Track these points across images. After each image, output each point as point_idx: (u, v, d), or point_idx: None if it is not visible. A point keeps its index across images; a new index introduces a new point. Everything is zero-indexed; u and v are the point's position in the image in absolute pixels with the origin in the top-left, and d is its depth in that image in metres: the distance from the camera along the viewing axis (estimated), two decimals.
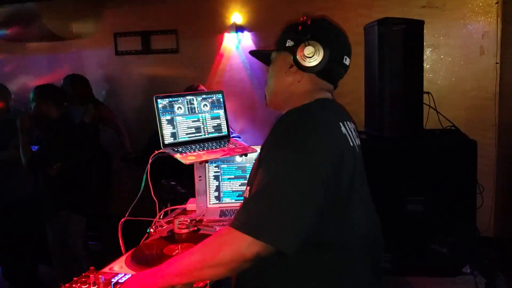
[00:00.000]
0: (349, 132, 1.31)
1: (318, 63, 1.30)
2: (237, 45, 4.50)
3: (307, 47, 1.29)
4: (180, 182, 2.75)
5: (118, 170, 4.66)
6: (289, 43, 1.34)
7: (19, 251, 3.80)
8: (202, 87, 3.89)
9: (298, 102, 1.31)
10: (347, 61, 1.36)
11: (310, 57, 1.29)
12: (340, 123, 1.27)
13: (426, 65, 3.82)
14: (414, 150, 3.18)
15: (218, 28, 4.47)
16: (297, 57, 1.31)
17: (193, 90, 3.78)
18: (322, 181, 1.12)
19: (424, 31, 3.27)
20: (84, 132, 3.60)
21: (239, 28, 4.39)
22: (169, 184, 2.59)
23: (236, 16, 4.40)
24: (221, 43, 4.52)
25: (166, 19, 4.67)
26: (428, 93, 3.52)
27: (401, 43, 3.09)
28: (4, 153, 3.61)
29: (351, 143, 1.28)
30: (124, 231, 1.80)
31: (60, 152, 3.19)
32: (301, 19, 1.36)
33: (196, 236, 1.79)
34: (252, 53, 1.57)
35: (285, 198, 1.10)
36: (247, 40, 4.45)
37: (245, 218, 1.11)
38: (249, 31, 4.42)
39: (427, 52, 3.87)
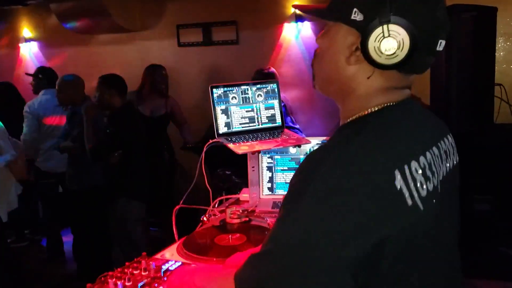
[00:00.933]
0: (426, 166, 0.88)
1: (400, 60, 0.87)
2: (296, 35, 4.44)
3: (384, 41, 0.86)
4: (236, 171, 2.75)
5: (180, 159, 4.76)
6: (357, 15, 0.88)
7: (90, 237, 3.99)
8: (272, 69, 3.92)
9: (357, 107, 0.94)
10: (441, 46, 0.90)
11: (390, 54, 0.87)
12: (404, 167, 0.83)
13: (498, 55, 3.58)
14: (483, 146, 2.99)
15: (277, 18, 4.43)
16: (368, 46, 0.87)
17: (263, 73, 3.80)
18: (339, 272, 0.77)
19: (497, 18, 3.06)
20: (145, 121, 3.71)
21: (298, 18, 4.33)
22: (224, 174, 2.60)
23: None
24: (280, 34, 4.48)
25: (227, 10, 4.70)
26: (500, 85, 3.29)
27: (471, 31, 2.90)
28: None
29: (414, 197, 0.83)
30: (181, 219, 1.82)
31: (122, 140, 3.30)
32: None
33: (247, 227, 1.78)
34: (297, 7, 1.21)
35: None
36: (306, 30, 4.38)
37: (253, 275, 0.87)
38: (309, 20, 4.34)
39: (499, 41, 3.62)
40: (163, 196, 4.20)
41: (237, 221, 1.82)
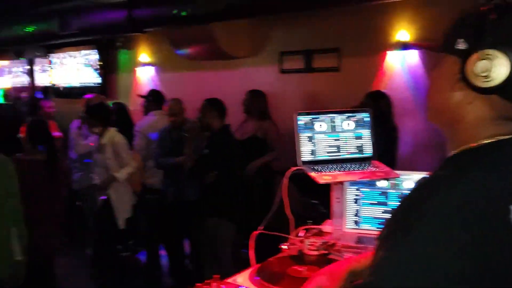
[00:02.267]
0: None
1: (498, 84, 0.86)
2: (401, 63, 4.27)
3: (479, 63, 0.86)
4: (324, 201, 2.68)
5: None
6: (460, 44, 0.92)
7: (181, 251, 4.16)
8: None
9: (467, 137, 0.92)
10: None
11: (484, 76, 0.87)
12: None
13: None
14: None
15: (381, 45, 4.31)
16: (465, 70, 0.90)
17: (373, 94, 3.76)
18: None
19: None
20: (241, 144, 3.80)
21: (404, 46, 4.17)
22: (310, 202, 2.54)
23: (402, 33, 4.18)
24: (383, 61, 4.35)
25: (329, 37, 4.69)
26: None
27: None
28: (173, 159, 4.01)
29: None
30: (265, 243, 1.81)
31: (218, 161, 3.41)
32: (481, 8, 0.91)
33: (324, 260, 1.70)
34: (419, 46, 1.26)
35: None
36: (413, 58, 4.19)
37: None
38: (416, 48, 4.16)
39: None
40: (257, 218, 4.22)
41: (315, 253, 1.75)
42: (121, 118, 4.95)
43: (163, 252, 4.60)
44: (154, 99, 4.70)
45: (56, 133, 5.10)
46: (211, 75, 5.72)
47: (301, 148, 1.92)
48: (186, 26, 5.04)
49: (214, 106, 3.58)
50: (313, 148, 1.92)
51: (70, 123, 5.22)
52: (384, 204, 2.04)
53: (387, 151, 3.21)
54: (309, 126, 1.94)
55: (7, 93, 11.31)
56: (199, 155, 3.50)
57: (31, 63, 9.87)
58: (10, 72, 13.82)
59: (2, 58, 9.57)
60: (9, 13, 6.68)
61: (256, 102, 4.55)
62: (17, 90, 11.50)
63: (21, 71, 13.48)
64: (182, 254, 4.25)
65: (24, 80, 13.85)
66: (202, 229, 3.50)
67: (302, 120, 1.94)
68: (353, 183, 2.05)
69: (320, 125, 1.94)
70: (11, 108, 7.07)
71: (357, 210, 2.09)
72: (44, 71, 12.11)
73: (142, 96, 4.93)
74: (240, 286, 1.48)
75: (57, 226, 3.48)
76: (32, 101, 6.01)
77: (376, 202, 2.07)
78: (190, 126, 3.68)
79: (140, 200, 4.42)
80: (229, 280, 1.55)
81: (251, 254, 1.77)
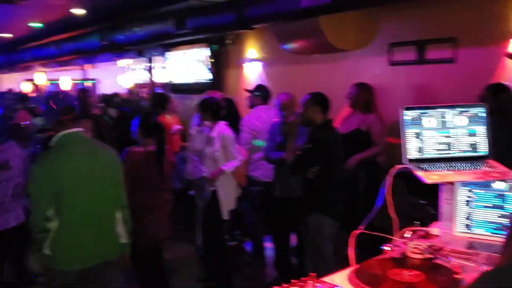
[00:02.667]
0: None
1: None
2: None
3: None
4: (432, 201, 2.52)
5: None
6: None
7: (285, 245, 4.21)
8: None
9: None
10: None
11: None
12: None
13: None
14: None
15: (502, 34, 3.91)
16: None
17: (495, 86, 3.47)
18: None
19: None
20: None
21: None
22: (418, 203, 2.40)
23: None
24: (504, 51, 3.95)
25: (444, 26, 4.37)
26: None
27: None
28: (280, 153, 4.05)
29: None
30: (370, 243, 1.76)
31: (320, 156, 3.37)
32: None
33: (429, 265, 1.60)
34: None
35: None
36: None
37: None
38: None
39: None
40: (360, 216, 4.12)
41: (419, 256, 1.65)
42: (229, 113, 5.12)
43: (269, 244, 4.69)
44: (260, 93, 4.79)
45: (177, 127, 5.45)
46: (318, 69, 5.67)
47: (407, 145, 1.82)
48: (293, 21, 5.05)
49: (317, 100, 3.54)
50: (421, 145, 1.81)
51: (186, 117, 5.54)
52: (501, 207, 1.86)
53: (507, 150, 2.91)
54: (417, 122, 1.83)
55: (131, 90, 12.33)
56: (301, 150, 3.49)
57: (150, 61, 10.65)
58: (133, 70, 15.05)
59: (127, 57, 10.42)
60: (131, 15, 7.26)
61: (361, 95, 4.42)
62: (139, 86, 12.49)
63: (142, 69, 14.62)
64: (287, 248, 4.29)
65: (145, 77, 15.01)
66: (305, 224, 3.50)
67: (409, 115, 1.83)
68: (465, 183, 1.90)
69: (429, 121, 1.82)
70: (135, 104, 7.67)
71: (468, 213, 1.93)
72: (161, 68, 13.02)
73: (248, 91, 5.05)
74: (337, 286, 1.45)
75: (166, 214, 3.71)
76: (153, 96, 6.45)
77: (491, 205, 1.89)
78: (292, 121, 3.69)
79: (244, 192, 4.54)
80: (326, 278, 1.53)
81: (351, 253, 1.72)
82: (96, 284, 2.68)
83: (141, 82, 14.42)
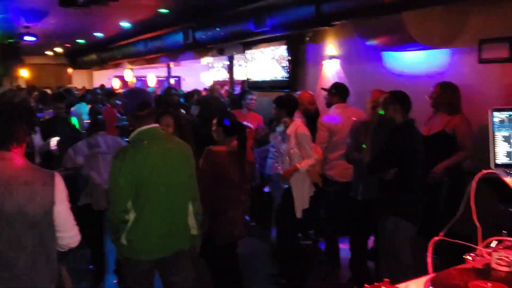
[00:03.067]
0: None
1: None
2: None
3: None
4: None
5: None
6: None
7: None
8: None
9: None
10: None
11: None
12: None
13: None
14: None
15: None
16: None
17: None
18: None
19: None
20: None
21: None
22: (507, 211, 2.23)
23: None
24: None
25: None
26: None
27: None
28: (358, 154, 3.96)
29: None
30: (450, 251, 1.67)
31: (398, 157, 3.25)
32: None
33: None
34: None
35: None
36: None
37: None
38: None
39: None
40: (441, 222, 3.92)
41: (505, 269, 1.53)
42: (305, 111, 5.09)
43: (344, 245, 4.61)
44: (337, 92, 4.71)
45: (258, 124, 5.52)
46: (400, 67, 5.46)
47: (496, 149, 1.69)
48: (376, 17, 4.90)
49: (398, 99, 3.40)
50: (510, 150, 1.68)
51: (264, 115, 5.59)
52: None
53: None
54: (507, 124, 1.70)
55: (211, 87, 12.69)
56: (379, 151, 3.38)
57: (231, 59, 10.88)
58: (213, 68, 15.51)
59: (209, 56, 10.73)
60: (213, 14, 7.46)
61: (445, 95, 4.17)
62: (219, 84, 12.84)
63: (222, 67, 15.01)
64: (364, 250, 4.20)
65: (224, 75, 15.40)
66: (382, 226, 3.39)
67: (499, 117, 1.71)
68: None
69: None
70: (214, 101, 7.85)
71: None
72: (241, 66, 13.27)
73: (325, 90, 4.98)
74: None
75: (243, 213, 3.76)
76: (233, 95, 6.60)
77: None
78: (367, 121, 3.58)
79: (319, 192, 4.49)
80: (401, 285, 1.47)
81: (429, 261, 1.64)
82: (169, 273, 2.79)
83: (221, 79, 14.82)
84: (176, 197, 2.76)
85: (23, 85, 14.12)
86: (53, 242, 2.22)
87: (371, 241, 4.25)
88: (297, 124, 4.25)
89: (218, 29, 7.54)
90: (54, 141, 4.93)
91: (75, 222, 2.31)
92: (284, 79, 7.21)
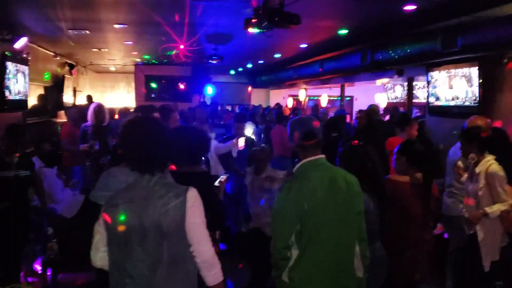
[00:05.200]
0: None
1: None
2: None
3: None
4: None
5: None
6: None
7: None
8: None
9: None
10: None
11: None
12: None
13: None
14: None
15: None
16: None
17: None
18: None
19: None
20: None
21: None
22: None
23: None
24: None
25: None
26: None
27: None
28: None
29: None
30: None
31: None
32: None
33: None
34: None
35: None
36: None
37: None
38: None
39: None
40: None
41: None
42: (500, 145, 4.37)
43: None
44: None
45: None
46: None
47: None
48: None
49: None
50: None
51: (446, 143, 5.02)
52: None
53: None
54: None
55: (386, 108, 12.15)
56: None
57: (410, 80, 10.19)
58: (386, 89, 14.89)
59: (386, 76, 10.25)
60: (394, 33, 7.05)
61: None
62: (392, 105, 12.21)
63: (399, 87, 14.30)
64: None
65: (399, 96, 14.64)
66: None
67: None
68: None
69: None
70: (383, 124, 7.35)
71: None
72: (419, 89, 12.41)
73: None
74: None
75: (425, 253, 3.31)
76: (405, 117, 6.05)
77: None
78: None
79: None
80: None
81: None
82: None
83: (396, 101, 14.10)
84: (343, 234, 2.52)
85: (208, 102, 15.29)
86: (188, 256, 2.19)
87: None
88: (489, 161, 3.65)
89: (399, 48, 7.10)
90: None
91: (208, 237, 2.24)
92: (473, 104, 6.40)
